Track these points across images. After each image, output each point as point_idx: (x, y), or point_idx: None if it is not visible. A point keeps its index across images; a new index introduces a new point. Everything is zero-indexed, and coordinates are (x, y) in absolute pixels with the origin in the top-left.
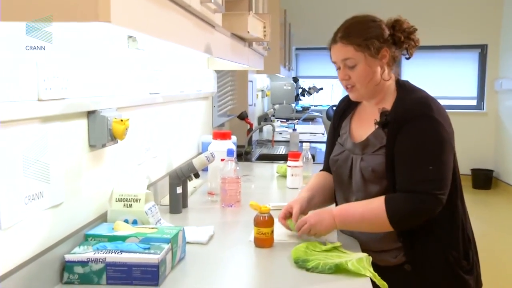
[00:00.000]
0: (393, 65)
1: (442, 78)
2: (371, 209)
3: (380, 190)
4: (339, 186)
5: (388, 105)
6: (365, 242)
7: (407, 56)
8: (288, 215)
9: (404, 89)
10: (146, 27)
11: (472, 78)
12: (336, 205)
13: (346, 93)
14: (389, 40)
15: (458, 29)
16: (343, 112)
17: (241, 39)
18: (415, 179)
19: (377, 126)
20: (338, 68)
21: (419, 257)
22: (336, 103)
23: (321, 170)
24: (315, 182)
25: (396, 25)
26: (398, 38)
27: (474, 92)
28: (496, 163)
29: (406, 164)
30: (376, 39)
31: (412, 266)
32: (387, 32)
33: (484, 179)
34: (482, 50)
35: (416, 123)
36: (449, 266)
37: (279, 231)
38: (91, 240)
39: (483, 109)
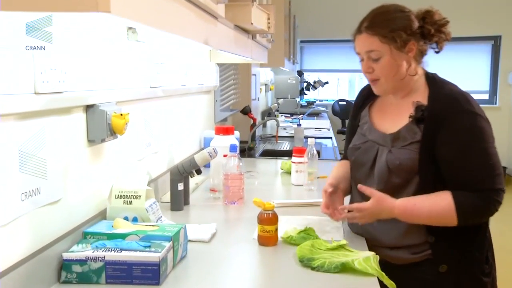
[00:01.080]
0: (420, 60)
1: (453, 71)
2: (440, 209)
3: (403, 184)
4: (356, 175)
5: (419, 98)
6: (379, 237)
7: (437, 49)
8: (327, 201)
9: (435, 83)
10: (146, 18)
11: (484, 71)
12: (350, 193)
13: (353, 88)
14: (417, 32)
15: (470, 20)
16: (363, 102)
17: (245, 31)
18: (480, 177)
19: (410, 120)
20: (362, 60)
21: (447, 256)
22: (342, 97)
23: (341, 159)
24: (338, 170)
25: (426, 16)
26: (427, 31)
27: (486, 86)
28: (510, 160)
29: (467, 162)
30: (403, 31)
31: (446, 265)
32: (416, 24)
33: None
34: (496, 42)
35: (461, 119)
36: (471, 267)
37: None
38: (90, 238)
39: (495, 104)
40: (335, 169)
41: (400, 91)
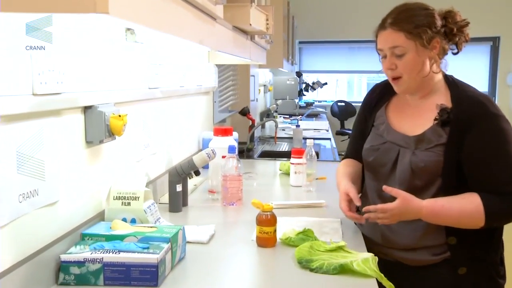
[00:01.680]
0: (442, 58)
1: (451, 71)
2: (469, 211)
3: (424, 186)
4: (373, 176)
5: (441, 100)
6: (394, 238)
7: (455, 50)
8: (348, 204)
9: (455, 84)
10: (145, 19)
11: (483, 72)
12: (361, 194)
13: (351, 89)
14: (441, 31)
15: (469, 21)
16: (377, 101)
17: (243, 32)
18: (506, 180)
19: (436, 122)
20: (384, 57)
21: (466, 258)
22: (341, 98)
23: (344, 158)
24: (348, 170)
25: (448, 16)
26: (450, 30)
27: (485, 87)
28: None
29: (494, 165)
30: (429, 28)
31: (466, 267)
32: (439, 22)
33: None
34: (494, 43)
35: (488, 123)
36: (488, 269)
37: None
38: (88, 239)
39: None
40: (344, 169)
41: (421, 91)
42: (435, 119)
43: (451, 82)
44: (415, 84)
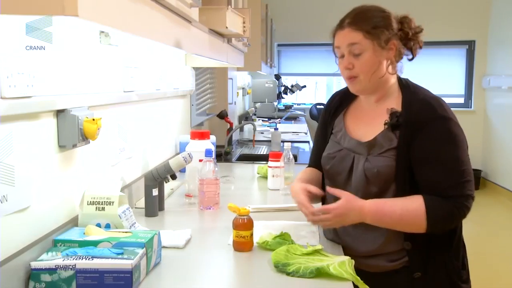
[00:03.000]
0: (397, 61)
1: (428, 75)
2: (411, 211)
3: (380, 193)
4: (331, 184)
5: (393, 104)
6: (355, 245)
7: (410, 56)
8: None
9: (408, 88)
10: (116, 22)
11: (459, 75)
12: (323, 203)
13: (331, 91)
14: (397, 34)
15: (445, 24)
16: (336, 108)
17: (220, 34)
18: (452, 183)
19: (386, 126)
20: (341, 56)
21: (424, 263)
22: (320, 101)
23: (308, 166)
24: (305, 176)
25: (404, 21)
26: (405, 34)
27: (461, 90)
28: (484, 163)
29: (438, 168)
30: (386, 29)
31: (421, 272)
32: (395, 25)
33: None
34: (470, 46)
35: (436, 126)
36: (449, 274)
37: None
38: (60, 245)
39: (471, 107)
40: (299, 176)
41: (376, 93)
42: (385, 123)
43: (404, 85)
44: (370, 84)
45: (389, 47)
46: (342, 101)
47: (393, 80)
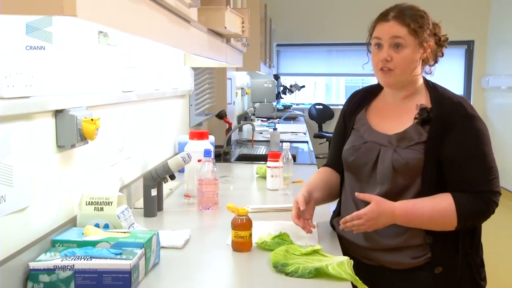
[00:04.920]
0: (429, 63)
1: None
2: (441, 211)
3: (406, 185)
4: (354, 177)
5: (422, 101)
6: (378, 238)
7: (432, 62)
8: (297, 212)
9: (435, 87)
10: (115, 22)
11: (458, 75)
12: (340, 199)
13: (330, 92)
14: (433, 37)
15: (444, 24)
16: (357, 106)
17: (218, 35)
18: (482, 180)
19: (416, 121)
20: (379, 47)
21: (446, 258)
22: (319, 101)
23: (324, 165)
24: (316, 177)
25: (436, 27)
26: (438, 39)
27: (460, 90)
28: None
29: (470, 165)
30: (428, 29)
31: (442, 268)
32: (432, 28)
33: None
34: (469, 46)
35: (468, 124)
36: (471, 271)
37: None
38: (58, 246)
39: None
40: (312, 178)
41: (405, 90)
42: (415, 118)
43: (430, 85)
44: (404, 80)
45: (426, 47)
46: (362, 99)
47: (421, 79)
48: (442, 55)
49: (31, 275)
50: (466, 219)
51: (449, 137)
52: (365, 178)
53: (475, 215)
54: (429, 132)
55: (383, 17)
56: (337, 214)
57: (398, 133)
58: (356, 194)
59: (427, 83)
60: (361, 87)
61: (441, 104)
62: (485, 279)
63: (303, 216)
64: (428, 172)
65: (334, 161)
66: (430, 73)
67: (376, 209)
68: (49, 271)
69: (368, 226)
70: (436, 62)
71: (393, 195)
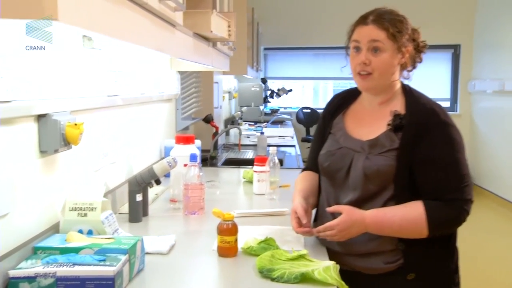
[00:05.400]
0: (407, 68)
1: (414, 78)
2: (411, 219)
3: (378, 191)
4: (329, 182)
5: (396, 107)
6: (350, 244)
7: (410, 68)
8: (296, 221)
9: (411, 93)
10: (98, 26)
11: (445, 79)
12: (318, 204)
13: (317, 95)
14: (412, 42)
15: (431, 28)
16: (336, 109)
17: (205, 38)
18: (453, 187)
19: (389, 127)
20: (357, 50)
21: (418, 264)
22: (306, 105)
23: (304, 169)
24: (305, 183)
25: (415, 32)
26: (417, 44)
27: (447, 94)
28: (470, 167)
29: (441, 172)
30: (406, 34)
31: (415, 275)
32: (411, 34)
33: None
34: (455, 50)
35: (440, 131)
36: (443, 277)
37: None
38: (40, 253)
39: (456, 111)
40: (301, 183)
41: (382, 95)
42: (388, 124)
43: (407, 90)
44: (382, 84)
45: (404, 52)
46: (342, 102)
47: (398, 84)
48: (421, 61)
49: (10, 283)
50: (436, 228)
51: (422, 144)
52: (339, 183)
53: (446, 223)
54: (401, 139)
55: (362, 20)
56: (315, 219)
57: (371, 139)
58: (327, 209)
59: (404, 88)
60: (341, 91)
61: (415, 111)
62: (459, 284)
63: (303, 225)
64: (400, 179)
65: (313, 163)
66: (408, 78)
67: (348, 219)
68: (30, 279)
69: (340, 236)
70: (414, 67)
71: (365, 201)
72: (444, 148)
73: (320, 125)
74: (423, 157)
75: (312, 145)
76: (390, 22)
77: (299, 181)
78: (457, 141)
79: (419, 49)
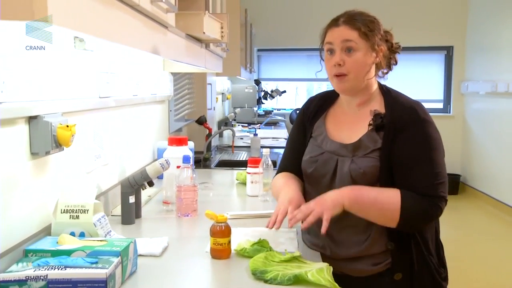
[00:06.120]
0: (383, 68)
1: (407, 80)
2: (387, 196)
3: None
4: (315, 188)
5: (376, 107)
6: (339, 249)
7: (386, 70)
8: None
9: (390, 92)
10: (89, 28)
11: (438, 80)
12: None
13: (310, 95)
14: (385, 42)
15: (424, 30)
16: (315, 113)
17: (197, 40)
18: (427, 184)
19: (370, 128)
20: (331, 52)
21: (406, 264)
22: (300, 106)
23: (279, 172)
24: (292, 181)
25: (388, 33)
26: (390, 45)
27: (440, 95)
28: (463, 168)
29: (416, 168)
30: (378, 33)
31: (402, 275)
32: (383, 34)
33: (451, 184)
34: (448, 52)
35: (417, 128)
36: (431, 273)
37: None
38: (31, 256)
39: (449, 112)
40: (286, 185)
41: (359, 96)
42: (369, 124)
43: (385, 90)
44: (359, 85)
45: (378, 51)
46: (320, 105)
47: (375, 85)
48: (396, 63)
49: (1, 287)
50: (408, 214)
51: (399, 141)
52: (324, 188)
53: (417, 214)
54: (383, 138)
55: (334, 22)
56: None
57: (354, 142)
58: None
59: (382, 88)
60: (316, 94)
61: (394, 109)
62: (446, 279)
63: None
64: (385, 179)
65: (294, 166)
66: (383, 77)
67: (321, 196)
68: (21, 282)
69: (320, 210)
70: (390, 69)
71: None
72: (419, 145)
73: (296, 129)
74: (400, 154)
75: (288, 148)
76: (362, 22)
77: (281, 179)
78: (434, 139)
79: (393, 49)
